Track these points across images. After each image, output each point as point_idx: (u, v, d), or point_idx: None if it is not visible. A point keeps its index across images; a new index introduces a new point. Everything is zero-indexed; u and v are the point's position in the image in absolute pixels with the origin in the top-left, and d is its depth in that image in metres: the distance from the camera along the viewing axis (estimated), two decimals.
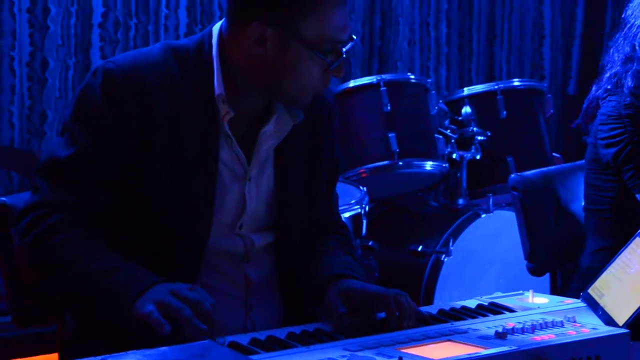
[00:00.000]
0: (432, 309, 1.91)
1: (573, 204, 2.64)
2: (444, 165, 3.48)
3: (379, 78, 3.44)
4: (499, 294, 2.05)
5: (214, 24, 1.85)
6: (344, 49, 1.78)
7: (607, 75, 2.46)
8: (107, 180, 1.75)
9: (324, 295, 1.84)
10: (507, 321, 1.81)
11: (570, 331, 1.75)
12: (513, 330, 1.73)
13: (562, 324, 1.79)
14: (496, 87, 3.66)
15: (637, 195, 2.39)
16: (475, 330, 1.74)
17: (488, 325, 1.79)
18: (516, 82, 3.79)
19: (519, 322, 1.79)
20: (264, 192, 1.88)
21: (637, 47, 2.41)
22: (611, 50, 2.48)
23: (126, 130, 1.74)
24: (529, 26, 4.75)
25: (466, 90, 3.72)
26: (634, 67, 2.40)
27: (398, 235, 3.51)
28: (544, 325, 1.77)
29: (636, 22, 2.43)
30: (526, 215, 2.64)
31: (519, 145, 3.62)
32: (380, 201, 3.67)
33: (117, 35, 3.71)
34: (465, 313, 1.89)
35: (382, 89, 3.42)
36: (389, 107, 3.41)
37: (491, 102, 3.65)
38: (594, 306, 1.91)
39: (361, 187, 3.22)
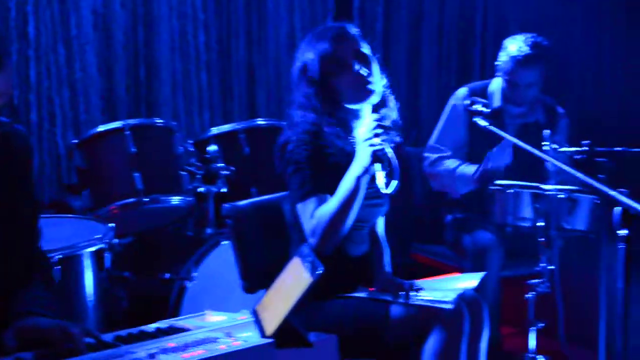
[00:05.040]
0: (109, 336, 1.86)
1: (281, 228, 2.66)
2: (189, 199, 3.47)
3: (123, 123, 3.43)
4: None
5: None
6: None
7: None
8: None
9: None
10: (171, 342, 1.79)
11: (221, 346, 1.75)
12: (166, 351, 1.70)
13: (216, 340, 1.78)
14: (239, 126, 3.70)
15: (297, 206, 2.44)
16: (132, 353, 1.71)
17: (150, 347, 1.76)
18: (260, 121, 3.84)
19: (180, 342, 1.77)
20: None
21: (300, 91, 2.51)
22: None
23: None
24: (285, 69, 4.82)
25: (214, 130, 3.74)
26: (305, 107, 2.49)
27: (152, 265, 3.46)
28: (199, 343, 1.76)
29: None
30: (238, 240, 2.67)
31: (261, 177, 3.65)
32: (136, 234, 3.62)
33: None
34: (140, 337, 1.85)
35: (126, 132, 3.39)
36: (133, 149, 3.37)
37: (235, 140, 3.67)
38: (258, 320, 1.92)
39: (109, 224, 3.14)
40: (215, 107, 4.56)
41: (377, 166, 2.35)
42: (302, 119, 2.50)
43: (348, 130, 2.51)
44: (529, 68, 3.60)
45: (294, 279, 1.86)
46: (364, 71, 2.49)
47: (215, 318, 1.99)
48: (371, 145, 2.35)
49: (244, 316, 1.99)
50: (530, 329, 3.18)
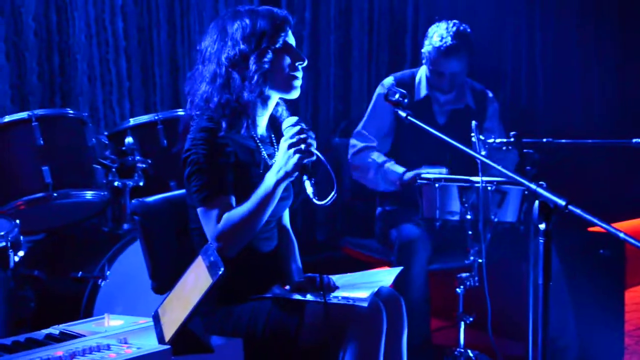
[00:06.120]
0: None
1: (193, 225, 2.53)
2: (103, 193, 3.31)
3: (30, 114, 3.23)
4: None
5: None
6: None
7: (196, 99, 2.38)
8: None
9: None
10: (59, 350, 1.65)
11: (111, 354, 1.62)
12: None
13: (108, 347, 1.65)
14: (156, 117, 3.54)
15: (197, 210, 2.30)
16: None
17: (34, 356, 1.62)
18: (180, 112, 3.66)
19: (69, 350, 1.63)
20: None
21: (221, 61, 2.33)
22: (196, 79, 2.39)
23: None
24: None
25: (132, 121, 3.56)
26: (218, 82, 2.33)
27: (64, 263, 3.29)
28: (89, 350, 1.63)
29: (211, 50, 2.37)
30: (147, 237, 2.52)
31: (181, 170, 3.48)
32: (48, 231, 3.43)
33: None
34: (27, 345, 1.71)
35: (33, 124, 3.21)
36: (41, 142, 3.20)
37: (152, 132, 3.51)
38: (157, 325, 1.79)
39: (15, 220, 2.96)
40: (135, 98, 4.37)
41: (304, 176, 2.20)
42: (203, 104, 2.33)
43: (252, 123, 2.36)
44: (452, 58, 3.55)
45: (195, 281, 1.74)
46: (301, 64, 2.37)
47: (113, 322, 1.85)
48: (297, 152, 2.19)
49: (145, 320, 1.87)
50: (460, 322, 3.13)
